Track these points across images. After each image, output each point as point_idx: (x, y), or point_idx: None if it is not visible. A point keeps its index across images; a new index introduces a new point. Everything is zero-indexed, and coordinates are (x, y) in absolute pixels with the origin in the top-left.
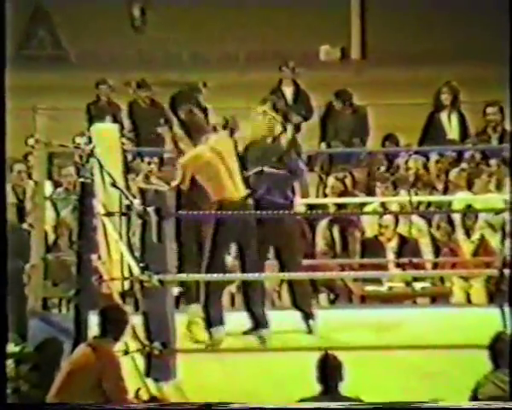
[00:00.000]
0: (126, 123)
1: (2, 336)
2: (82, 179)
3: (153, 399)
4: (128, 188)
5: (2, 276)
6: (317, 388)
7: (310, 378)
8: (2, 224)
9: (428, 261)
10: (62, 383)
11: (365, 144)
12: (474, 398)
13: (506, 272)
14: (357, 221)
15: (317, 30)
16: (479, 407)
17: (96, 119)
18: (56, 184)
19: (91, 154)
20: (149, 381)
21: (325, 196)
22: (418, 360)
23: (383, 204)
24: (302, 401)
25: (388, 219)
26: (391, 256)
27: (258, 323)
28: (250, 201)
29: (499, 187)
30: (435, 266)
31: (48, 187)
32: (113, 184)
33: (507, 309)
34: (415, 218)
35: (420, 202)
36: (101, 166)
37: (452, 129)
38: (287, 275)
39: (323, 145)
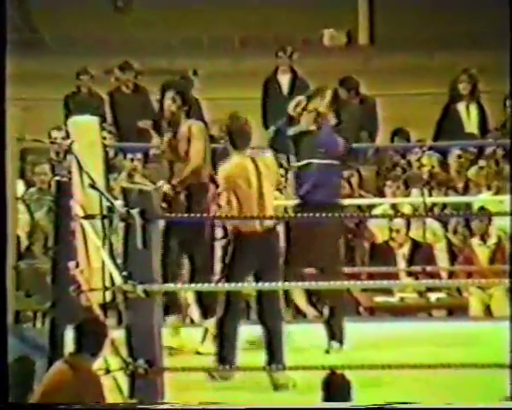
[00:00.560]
0: (108, 114)
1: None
2: (58, 178)
3: None
4: (109, 188)
5: None
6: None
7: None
8: None
9: (444, 270)
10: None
11: (374, 139)
12: None
13: None
14: (364, 225)
15: (320, 12)
16: (479, 408)
17: (75, 111)
18: (29, 184)
19: (69, 150)
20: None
21: None
22: (433, 379)
23: (394, 206)
24: None
25: (399, 222)
26: (402, 264)
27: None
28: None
29: None
30: (451, 274)
31: (20, 187)
32: (92, 185)
33: None
34: (429, 221)
35: (434, 204)
36: (79, 164)
37: (471, 122)
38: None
39: None
